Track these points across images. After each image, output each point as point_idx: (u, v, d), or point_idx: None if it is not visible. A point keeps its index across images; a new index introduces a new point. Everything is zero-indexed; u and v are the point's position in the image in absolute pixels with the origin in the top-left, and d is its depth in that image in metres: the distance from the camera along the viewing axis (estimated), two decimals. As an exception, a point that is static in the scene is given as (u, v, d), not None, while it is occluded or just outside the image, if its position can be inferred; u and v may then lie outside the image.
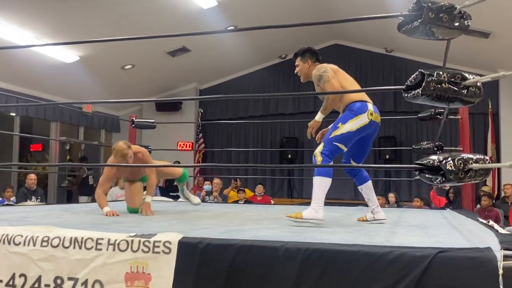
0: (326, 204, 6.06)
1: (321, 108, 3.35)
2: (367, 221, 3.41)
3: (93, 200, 5.19)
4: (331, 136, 3.20)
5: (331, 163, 3.24)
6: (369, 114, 3.25)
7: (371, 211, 3.42)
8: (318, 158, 3.14)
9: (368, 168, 11.21)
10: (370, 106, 3.29)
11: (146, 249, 2.07)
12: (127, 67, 9.71)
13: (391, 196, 8.48)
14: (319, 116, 3.35)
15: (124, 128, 10.83)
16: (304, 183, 11.31)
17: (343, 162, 3.52)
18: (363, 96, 3.36)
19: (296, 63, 3.62)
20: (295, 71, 3.64)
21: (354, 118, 3.22)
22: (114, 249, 2.11)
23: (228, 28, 8.68)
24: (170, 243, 2.05)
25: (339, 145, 3.18)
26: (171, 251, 2.03)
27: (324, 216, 3.09)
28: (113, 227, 2.81)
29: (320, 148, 3.17)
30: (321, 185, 3.12)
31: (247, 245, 1.96)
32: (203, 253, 1.98)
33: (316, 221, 3.03)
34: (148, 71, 10.26)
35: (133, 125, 6.00)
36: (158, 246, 2.06)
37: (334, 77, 3.36)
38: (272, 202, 8.50)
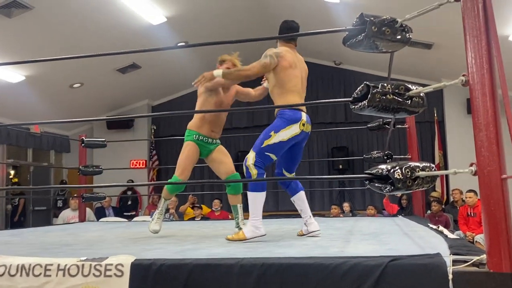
0: (285, 216, 6.09)
1: (228, 70, 3.31)
2: (304, 235, 3.28)
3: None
4: (263, 146, 3.09)
5: (265, 176, 3.16)
6: (301, 125, 3.15)
7: (304, 223, 3.30)
8: (252, 171, 3.04)
9: (322, 179, 11.42)
10: (304, 116, 3.19)
11: (97, 273, 2.01)
12: (75, 85, 9.47)
13: (346, 206, 8.62)
14: (217, 72, 3.28)
15: (74, 148, 10.54)
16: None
17: (276, 172, 3.42)
18: (299, 102, 3.25)
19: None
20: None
21: (287, 128, 3.11)
22: (64, 275, 2.03)
23: (179, 44, 8.65)
24: (122, 265, 1.99)
25: (270, 155, 3.10)
26: (123, 274, 1.98)
27: (265, 230, 3.03)
28: (63, 251, 2.71)
29: (251, 159, 3.05)
30: (256, 200, 3.02)
31: (201, 264, 1.93)
32: (156, 274, 1.93)
33: (259, 238, 2.97)
34: (98, 89, 10.05)
35: (83, 145, 5.84)
36: (110, 270, 2.00)
37: (265, 67, 3.24)
38: (230, 217, 8.44)
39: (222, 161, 3.85)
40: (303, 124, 3.17)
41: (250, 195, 3.03)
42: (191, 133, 3.77)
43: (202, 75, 3.33)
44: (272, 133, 3.11)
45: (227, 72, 3.27)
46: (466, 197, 7.36)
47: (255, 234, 2.97)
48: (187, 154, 3.73)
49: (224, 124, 4.00)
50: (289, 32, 3.51)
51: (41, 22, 6.95)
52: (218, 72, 3.26)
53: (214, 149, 3.87)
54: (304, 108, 3.24)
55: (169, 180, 3.84)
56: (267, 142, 3.09)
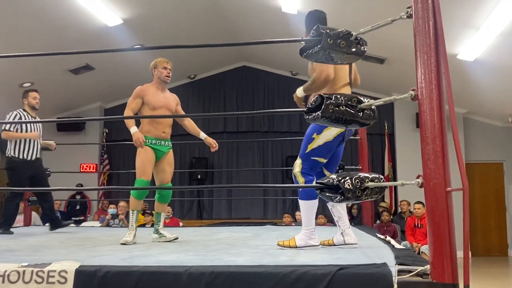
0: (234, 224, 6.07)
1: (305, 85, 2.99)
2: (335, 245, 3.06)
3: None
4: (307, 151, 2.92)
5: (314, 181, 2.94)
6: None
7: (341, 233, 3.05)
8: (300, 179, 2.88)
9: (276, 188, 11.48)
10: None
11: (39, 280, 1.93)
12: (25, 84, 9.14)
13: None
14: (299, 92, 3.00)
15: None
16: (214, 204, 11.27)
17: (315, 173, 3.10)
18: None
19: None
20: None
21: (328, 127, 2.86)
22: (3, 281, 1.95)
23: (135, 46, 8.52)
24: (66, 272, 1.93)
25: (318, 158, 2.92)
26: (67, 281, 1.91)
27: (318, 241, 2.90)
28: (5, 257, 2.60)
29: (298, 166, 2.90)
30: (307, 208, 2.88)
31: (149, 272, 1.89)
32: (102, 282, 1.88)
33: (312, 248, 2.83)
34: (49, 90, 9.72)
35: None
36: (52, 276, 1.93)
37: (330, 75, 2.93)
38: (181, 224, 8.35)
39: (164, 169, 3.88)
40: None
41: (301, 203, 2.90)
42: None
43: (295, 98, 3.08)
44: (315, 135, 2.93)
45: (307, 89, 2.99)
46: (414, 208, 7.58)
47: (306, 243, 2.85)
48: (143, 156, 3.69)
49: (172, 124, 3.98)
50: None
51: (-9, 17, 6.69)
52: (299, 91, 3.01)
53: (166, 154, 3.83)
54: None
55: (134, 186, 3.75)
56: (311, 146, 2.92)
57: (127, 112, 3.70)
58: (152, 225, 7.79)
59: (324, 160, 2.96)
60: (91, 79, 9.72)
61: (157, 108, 3.79)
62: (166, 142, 3.86)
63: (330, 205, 3.07)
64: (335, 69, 2.91)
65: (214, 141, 4.01)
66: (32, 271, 1.94)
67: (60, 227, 5.11)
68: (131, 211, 3.67)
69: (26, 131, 5.04)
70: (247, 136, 11.11)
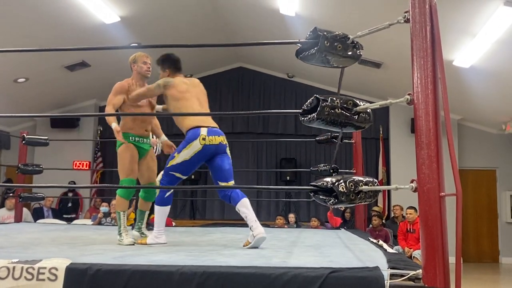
0: (228, 225, 6.09)
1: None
2: (250, 243, 3.13)
3: None
4: (168, 166, 3.33)
5: (169, 194, 3.37)
6: (201, 139, 3.24)
7: (250, 228, 3.17)
8: (156, 190, 3.42)
9: (269, 190, 11.49)
10: (204, 131, 3.27)
11: (29, 277, 1.92)
12: (20, 80, 9.10)
13: (291, 217, 8.70)
14: (114, 125, 3.51)
15: (15, 145, 10.09)
16: (207, 204, 11.25)
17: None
18: (200, 121, 3.32)
19: (159, 72, 3.64)
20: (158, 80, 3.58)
21: (187, 147, 3.26)
22: (-8, 278, 1.92)
23: (132, 45, 8.49)
24: (56, 269, 1.91)
25: (176, 174, 3.32)
26: (57, 278, 1.90)
27: (165, 240, 3.32)
28: (-6, 253, 2.57)
29: (159, 178, 3.36)
30: (161, 213, 3.35)
31: (140, 270, 1.88)
32: (92, 279, 1.86)
33: (160, 245, 3.23)
34: (44, 85, 9.69)
35: (23, 142, 5.60)
36: (43, 273, 1.92)
37: (150, 90, 3.51)
38: (174, 224, 8.32)
39: (150, 167, 3.81)
40: (203, 138, 3.25)
41: (156, 208, 3.35)
42: (124, 135, 3.62)
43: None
44: (176, 154, 3.33)
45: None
46: (406, 213, 7.60)
47: (155, 242, 3.28)
48: (128, 154, 3.62)
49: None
50: (176, 63, 3.62)
51: (-13, 12, 6.65)
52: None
53: (148, 151, 3.80)
54: (206, 122, 3.35)
55: (119, 184, 3.70)
56: (171, 163, 3.31)
57: (109, 109, 3.62)
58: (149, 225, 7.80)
59: (182, 176, 3.34)
60: (87, 76, 9.69)
61: (141, 105, 3.72)
62: (148, 140, 3.80)
63: (236, 209, 3.29)
64: (177, 103, 3.41)
65: (172, 144, 3.89)
66: (22, 268, 1.93)
67: None
68: (121, 213, 3.54)
69: None
70: (241, 137, 11.10)
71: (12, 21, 7.04)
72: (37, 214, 8.80)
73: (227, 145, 3.42)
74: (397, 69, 8.66)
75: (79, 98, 10.94)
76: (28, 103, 10.01)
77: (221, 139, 3.36)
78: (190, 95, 3.42)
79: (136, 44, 8.45)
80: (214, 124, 3.40)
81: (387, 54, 8.21)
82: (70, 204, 10.41)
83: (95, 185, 10.97)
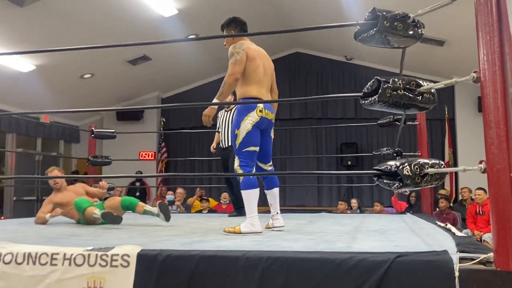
0: (289, 211, 6.11)
1: (217, 94, 3.21)
2: (270, 228, 3.38)
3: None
4: (237, 147, 3.21)
5: (253, 170, 3.26)
6: (258, 111, 3.21)
7: (271, 217, 3.38)
8: (240, 173, 3.17)
9: (330, 175, 11.40)
10: (261, 104, 3.24)
11: (103, 263, 2.02)
12: (86, 76, 9.51)
13: (354, 202, 8.59)
14: (215, 102, 3.21)
15: (84, 139, 10.59)
16: (267, 191, 11.32)
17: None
18: (257, 92, 3.26)
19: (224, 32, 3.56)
20: (224, 44, 3.53)
21: (245, 119, 3.18)
22: (70, 264, 2.04)
23: (189, 37, 8.64)
24: (128, 256, 2.00)
25: (249, 148, 3.18)
26: (129, 264, 1.99)
27: (261, 228, 3.13)
28: (70, 241, 2.73)
29: (236, 162, 3.19)
30: (248, 197, 3.14)
31: (207, 256, 1.93)
32: (162, 265, 1.94)
33: (256, 235, 3.03)
34: (108, 80, 10.08)
35: (92, 135, 5.87)
36: (116, 260, 2.01)
37: (242, 62, 3.21)
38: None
39: None
40: (260, 111, 3.21)
41: (243, 193, 3.16)
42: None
43: (204, 115, 3.31)
44: (236, 131, 3.21)
45: (219, 95, 3.21)
46: (475, 195, 7.31)
47: (249, 230, 3.07)
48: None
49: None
50: (243, 25, 3.56)
51: (53, 11, 6.97)
52: (215, 101, 3.21)
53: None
54: (263, 95, 3.29)
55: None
56: (238, 141, 3.20)
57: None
58: (209, 211, 7.97)
59: (255, 148, 3.21)
60: (149, 69, 9.97)
61: None
62: None
63: (266, 192, 3.38)
64: (247, 70, 3.21)
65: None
66: (96, 255, 2.03)
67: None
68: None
69: None
70: (300, 123, 11.05)
71: (75, 20, 7.34)
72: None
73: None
74: (462, 46, 8.29)
75: (142, 91, 11.29)
76: (94, 97, 10.44)
77: (273, 116, 3.37)
78: (259, 61, 3.32)
79: (194, 36, 8.60)
80: (269, 97, 3.40)
81: (451, 30, 7.87)
82: (138, 193, 10.80)
83: (161, 174, 11.33)
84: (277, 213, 3.36)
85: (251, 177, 3.12)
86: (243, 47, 3.26)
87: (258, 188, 3.16)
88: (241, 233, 3.06)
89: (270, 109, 3.32)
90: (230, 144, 5.25)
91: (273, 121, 3.39)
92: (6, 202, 9.79)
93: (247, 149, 3.17)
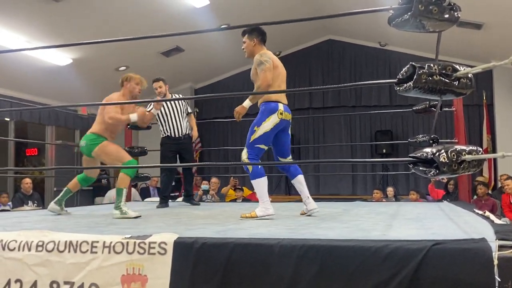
0: (323, 200, 6.09)
1: (250, 96, 3.59)
2: (305, 214, 3.66)
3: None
4: (251, 141, 3.50)
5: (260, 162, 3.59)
6: (279, 114, 3.53)
7: (304, 203, 3.67)
8: (248, 165, 3.46)
9: (365, 163, 11.30)
10: (281, 106, 3.55)
11: (141, 251, 2.06)
12: (121, 68, 9.68)
13: (390, 190, 8.48)
14: (246, 103, 3.55)
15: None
16: (301, 180, 11.30)
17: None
18: (278, 97, 3.57)
19: (244, 40, 3.79)
20: (242, 47, 3.81)
21: (267, 119, 3.50)
22: (109, 252, 2.10)
23: (222, 26, 8.66)
24: (165, 243, 2.04)
25: (260, 146, 3.50)
26: (166, 252, 2.03)
27: (273, 211, 3.44)
28: (109, 229, 2.80)
29: (244, 153, 3.49)
30: (259, 186, 3.47)
31: (242, 243, 1.95)
32: (198, 252, 1.97)
33: (269, 217, 3.37)
34: (142, 72, 10.03)
35: (128, 126, 5.98)
36: (153, 247, 2.05)
37: (271, 69, 3.53)
38: (270, 199, 8.49)
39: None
40: (281, 113, 3.55)
41: (254, 183, 3.48)
42: (99, 137, 4.08)
43: (237, 113, 3.61)
44: (255, 128, 3.52)
45: (253, 97, 3.58)
46: (505, 185, 7.11)
47: (264, 214, 3.39)
48: (114, 146, 4.07)
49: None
50: (264, 35, 3.79)
51: (87, 5, 7.10)
52: (246, 103, 3.56)
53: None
54: (282, 99, 3.61)
55: (125, 164, 3.99)
56: (254, 137, 3.50)
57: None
58: (243, 200, 8.03)
59: (265, 147, 3.55)
60: (181, 60, 10.06)
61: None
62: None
63: (292, 182, 3.75)
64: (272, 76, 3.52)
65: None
66: (134, 243, 2.08)
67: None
68: (123, 189, 3.84)
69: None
70: (333, 111, 10.96)
71: (108, 13, 7.46)
72: (144, 194, 9.39)
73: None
74: (500, 29, 8.03)
75: (176, 82, 11.40)
76: (129, 89, 10.61)
77: (290, 116, 3.69)
78: (280, 70, 3.65)
79: (226, 26, 8.61)
80: (287, 102, 3.67)
81: (488, 13, 7.62)
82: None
83: (195, 163, 11.44)
84: (308, 197, 3.63)
85: (258, 167, 3.46)
86: (269, 56, 3.59)
87: (266, 177, 3.50)
88: (257, 217, 3.37)
89: (288, 111, 3.66)
90: (186, 133, 5.56)
91: (290, 120, 3.69)
92: (47, 192, 10.12)
93: (259, 145, 3.49)
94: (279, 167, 3.86)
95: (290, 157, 3.80)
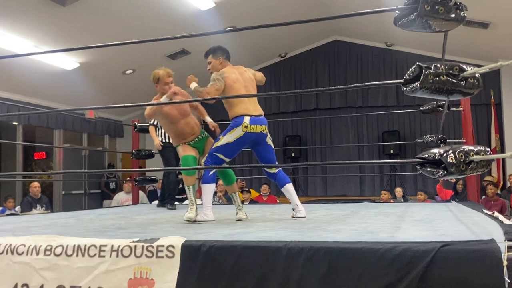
0: (331, 201, 6.09)
1: (199, 88, 3.69)
2: (293, 217, 3.62)
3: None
4: (213, 147, 3.56)
5: (210, 173, 3.55)
6: (243, 127, 3.50)
7: (293, 209, 3.65)
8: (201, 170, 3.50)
9: (372, 164, 11.25)
10: (246, 119, 3.52)
11: (149, 254, 2.07)
12: (128, 71, 9.72)
13: (398, 191, 8.43)
14: (193, 85, 3.76)
15: (128, 133, 10.84)
16: (309, 181, 11.29)
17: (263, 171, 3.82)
18: (246, 110, 3.55)
19: (208, 60, 3.85)
20: (208, 68, 3.86)
21: (230, 132, 3.53)
22: (117, 255, 2.10)
23: (227, 29, 8.67)
24: (173, 247, 2.05)
25: (219, 155, 3.52)
26: (174, 255, 2.03)
27: (213, 217, 3.50)
28: (117, 234, 2.81)
29: (204, 159, 3.60)
30: (205, 191, 3.53)
31: (249, 246, 1.95)
32: (206, 255, 1.97)
33: (208, 222, 3.42)
34: (149, 75, 10.19)
35: (135, 129, 6.01)
36: (161, 251, 2.06)
37: (220, 89, 3.57)
38: (278, 201, 8.49)
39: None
40: (246, 126, 3.51)
41: (202, 187, 3.55)
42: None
43: (187, 79, 3.76)
44: (220, 136, 3.58)
45: (196, 90, 3.71)
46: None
47: (203, 219, 3.45)
48: (184, 148, 3.93)
49: (194, 126, 4.10)
50: (227, 52, 3.94)
51: (93, 9, 7.14)
52: (195, 86, 3.71)
53: (205, 142, 4.04)
54: (251, 111, 3.57)
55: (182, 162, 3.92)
56: (216, 144, 3.56)
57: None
58: (250, 202, 8.02)
59: (225, 158, 3.55)
60: (188, 63, 10.07)
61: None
62: (199, 137, 4.06)
63: (282, 189, 3.71)
64: (228, 93, 3.57)
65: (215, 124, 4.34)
66: (142, 246, 2.08)
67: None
68: (186, 187, 3.76)
69: None
70: (340, 112, 10.94)
71: (116, 17, 7.50)
72: (152, 196, 9.41)
73: (268, 134, 3.66)
74: (507, 28, 7.98)
75: (182, 85, 11.37)
76: (136, 92, 10.65)
77: (262, 128, 3.61)
78: (239, 84, 3.65)
79: (232, 28, 8.62)
80: (259, 112, 3.63)
81: (494, 12, 7.58)
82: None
83: (201, 166, 11.44)
84: (297, 205, 3.62)
85: (209, 174, 3.51)
86: (223, 75, 3.62)
87: (214, 184, 3.60)
88: (196, 221, 3.44)
89: (259, 123, 3.58)
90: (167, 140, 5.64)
91: (265, 132, 3.62)
92: (56, 196, 10.17)
93: (217, 154, 3.52)
94: (267, 176, 3.79)
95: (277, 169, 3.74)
